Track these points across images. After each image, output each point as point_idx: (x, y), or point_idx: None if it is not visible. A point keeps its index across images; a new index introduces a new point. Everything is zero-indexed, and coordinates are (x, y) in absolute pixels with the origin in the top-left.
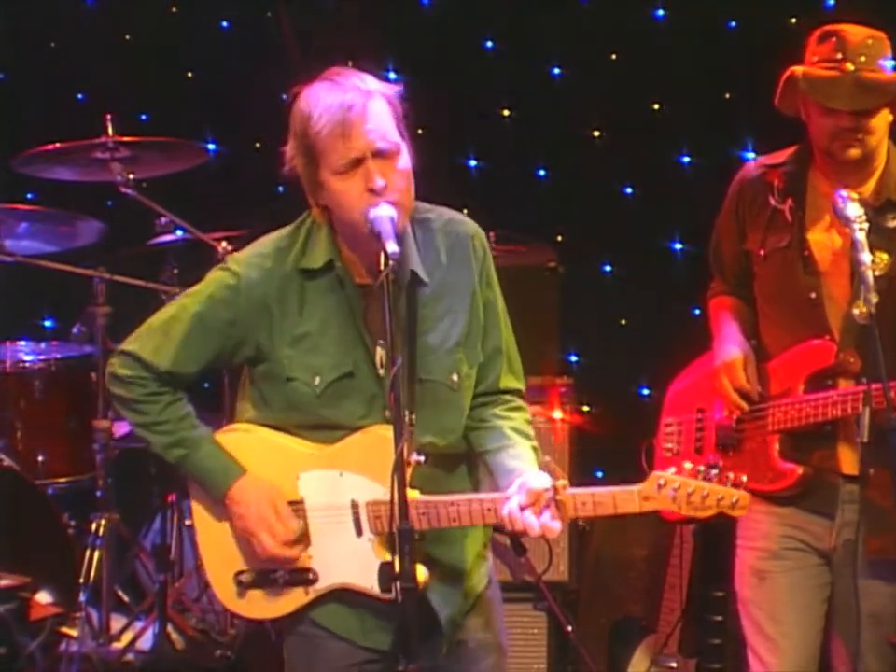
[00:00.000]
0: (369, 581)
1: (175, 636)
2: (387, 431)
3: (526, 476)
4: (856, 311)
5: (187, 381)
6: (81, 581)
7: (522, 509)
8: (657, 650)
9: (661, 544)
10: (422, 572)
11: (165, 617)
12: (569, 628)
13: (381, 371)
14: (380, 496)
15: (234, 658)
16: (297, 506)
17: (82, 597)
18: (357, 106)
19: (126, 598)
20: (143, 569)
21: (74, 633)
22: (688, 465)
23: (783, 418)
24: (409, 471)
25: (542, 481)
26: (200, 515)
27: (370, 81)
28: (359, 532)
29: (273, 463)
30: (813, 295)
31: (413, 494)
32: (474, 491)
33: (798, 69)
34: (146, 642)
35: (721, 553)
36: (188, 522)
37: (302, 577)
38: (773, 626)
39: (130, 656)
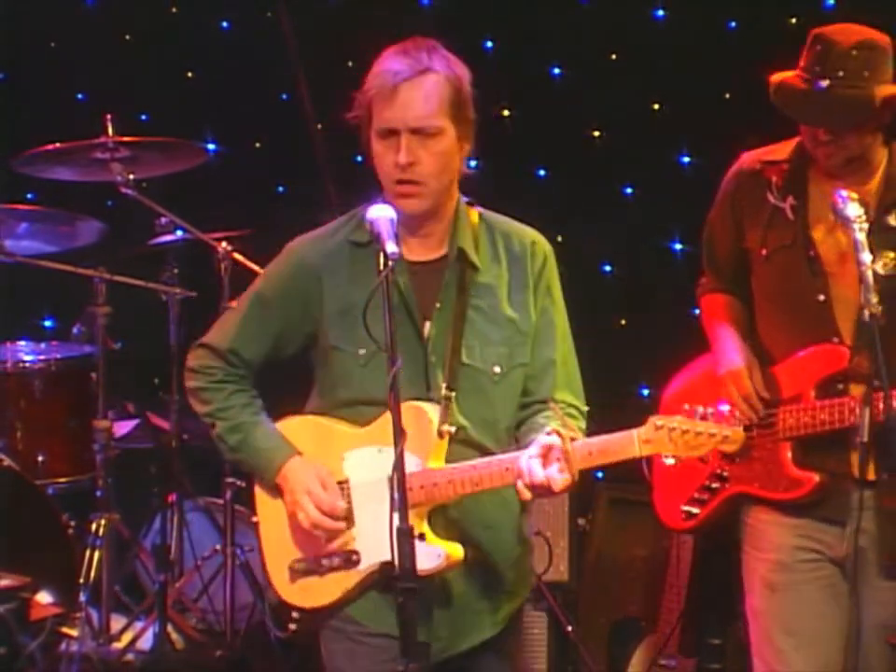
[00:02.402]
0: None
1: (175, 636)
2: (423, 405)
3: (544, 434)
4: (867, 313)
5: (251, 363)
6: (81, 581)
7: (530, 458)
8: (657, 650)
9: (661, 544)
10: (457, 550)
11: (165, 617)
12: (569, 628)
13: (428, 348)
14: (415, 468)
15: (234, 658)
16: (342, 486)
17: (82, 597)
18: (407, 79)
19: (126, 598)
20: (143, 569)
21: (74, 633)
22: (686, 407)
23: (795, 424)
24: (443, 444)
25: (554, 437)
26: (262, 509)
27: (438, 59)
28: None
29: (319, 445)
30: (822, 297)
31: (437, 464)
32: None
33: (776, 78)
34: (146, 642)
35: (721, 554)
36: (250, 513)
37: (347, 559)
38: (784, 639)
39: (130, 656)
